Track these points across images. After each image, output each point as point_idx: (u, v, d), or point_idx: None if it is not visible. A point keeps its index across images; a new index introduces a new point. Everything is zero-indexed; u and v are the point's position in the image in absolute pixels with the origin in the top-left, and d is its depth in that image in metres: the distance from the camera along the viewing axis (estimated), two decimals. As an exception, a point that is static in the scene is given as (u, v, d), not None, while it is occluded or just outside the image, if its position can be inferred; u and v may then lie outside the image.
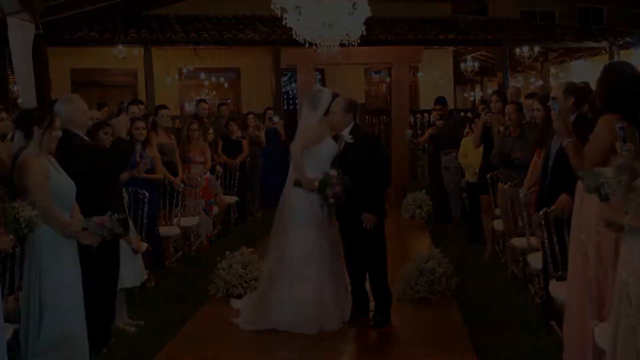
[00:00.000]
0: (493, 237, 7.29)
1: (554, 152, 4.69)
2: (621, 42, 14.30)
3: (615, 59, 13.30)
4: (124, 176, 5.50)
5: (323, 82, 16.12)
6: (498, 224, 6.84)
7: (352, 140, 5.07)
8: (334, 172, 5.04)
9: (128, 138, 4.79)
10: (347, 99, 5.27)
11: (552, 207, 4.52)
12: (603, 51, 15.31)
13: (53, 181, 4.02)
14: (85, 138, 4.66)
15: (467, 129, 8.64)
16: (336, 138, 5.25)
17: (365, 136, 5.30)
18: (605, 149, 3.80)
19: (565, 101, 4.56)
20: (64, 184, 4.11)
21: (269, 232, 5.69)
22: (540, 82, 18.07)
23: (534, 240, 5.40)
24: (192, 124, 8.53)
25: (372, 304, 5.26)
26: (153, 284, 6.49)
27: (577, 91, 4.76)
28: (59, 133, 4.14)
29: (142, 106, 7.94)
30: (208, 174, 8.50)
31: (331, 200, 5.02)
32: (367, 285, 5.25)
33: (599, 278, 3.56)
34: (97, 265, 4.58)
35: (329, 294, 5.15)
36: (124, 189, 5.50)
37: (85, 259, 4.49)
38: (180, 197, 7.50)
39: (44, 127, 4.02)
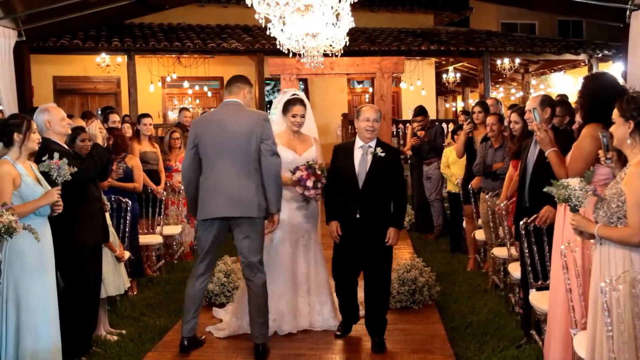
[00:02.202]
0: (475, 247, 7.35)
1: (531, 163, 4.76)
2: (600, 55, 14.51)
3: (594, 71, 13.49)
4: (103, 184, 5.50)
5: (306, 92, 16.19)
6: (479, 234, 6.90)
7: (383, 154, 4.80)
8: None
9: (105, 144, 4.79)
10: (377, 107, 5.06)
11: (536, 218, 4.58)
12: (582, 64, 15.53)
13: (22, 187, 4.05)
14: (64, 145, 4.69)
15: (448, 139, 8.71)
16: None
17: (392, 149, 5.08)
18: (589, 158, 3.88)
19: (542, 113, 4.63)
20: (34, 189, 4.11)
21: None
22: (521, 94, 18.28)
23: (514, 251, 5.47)
24: (174, 132, 8.53)
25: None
26: (135, 293, 6.49)
27: (553, 103, 4.85)
28: (38, 135, 4.23)
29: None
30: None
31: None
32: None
33: (585, 287, 3.60)
34: (80, 274, 4.58)
35: (288, 299, 5.20)
36: (105, 197, 5.49)
37: (68, 268, 4.49)
38: (162, 206, 7.49)
39: (23, 132, 4.12)
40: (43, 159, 4.13)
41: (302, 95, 5.52)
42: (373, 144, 4.84)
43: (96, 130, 4.87)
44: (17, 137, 4.10)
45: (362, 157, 4.82)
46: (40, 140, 4.32)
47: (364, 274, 4.92)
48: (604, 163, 3.48)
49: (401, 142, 13.24)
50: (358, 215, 4.75)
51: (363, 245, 4.80)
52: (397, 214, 4.89)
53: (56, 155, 4.13)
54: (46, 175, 4.16)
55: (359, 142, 4.88)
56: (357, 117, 4.91)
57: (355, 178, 4.78)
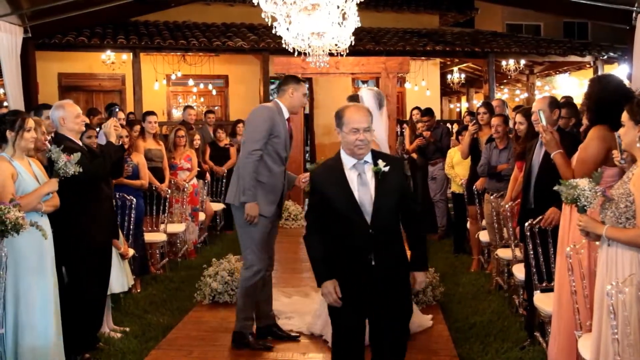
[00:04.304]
0: (478, 248, 7.34)
1: (536, 165, 4.75)
2: (605, 57, 14.48)
3: (600, 73, 13.46)
4: (109, 182, 5.52)
5: (311, 91, 16.20)
6: (483, 235, 6.89)
7: (387, 168, 3.43)
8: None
9: (119, 142, 4.81)
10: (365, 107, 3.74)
11: (541, 220, 4.57)
12: (587, 65, 15.49)
13: (19, 184, 4.05)
14: (77, 142, 4.72)
15: (453, 140, 8.70)
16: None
17: (393, 158, 3.60)
18: (595, 160, 3.88)
19: (551, 114, 4.62)
20: (32, 186, 4.11)
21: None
22: (526, 95, 18.26)
23: (518, 252, 5.47)
24: (179, 130, 8.52)
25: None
26: (139, 290, 6.50)
27: (560, 105, 4.84)
28: (33, 134, 4.20)
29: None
30: (195, 181, 8.50)
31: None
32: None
33: (590, 289, 3.59)
34: (85, 272, 4.59)
35: None
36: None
37: (74, 265, 4.50)
38: (167, 204, 7.49)
39: (15, 130, 4.09)
40: (59, 147, 4.15)
41: (363, 93, 5.09)
42: (369, 158, 3.46)
43: (111, 129, 4.88)
44: (9, 134, 4.09)
45: (358, 179, 3.42)
46: (52, 136, 4.34)
47: (372, 338, 3.54)
48: (619, 163, 3.47)
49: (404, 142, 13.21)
50: (374, 263, 3.37)
51: (377, 303, 3.42)
52: (419, 250, 3.57)
53: (76, 155, 4.15)
54: (51, 162, 4.17)
55: (349, 161, 3.44)
56: (339, 126, 3.45)
57: (359, 210, 3.37)
